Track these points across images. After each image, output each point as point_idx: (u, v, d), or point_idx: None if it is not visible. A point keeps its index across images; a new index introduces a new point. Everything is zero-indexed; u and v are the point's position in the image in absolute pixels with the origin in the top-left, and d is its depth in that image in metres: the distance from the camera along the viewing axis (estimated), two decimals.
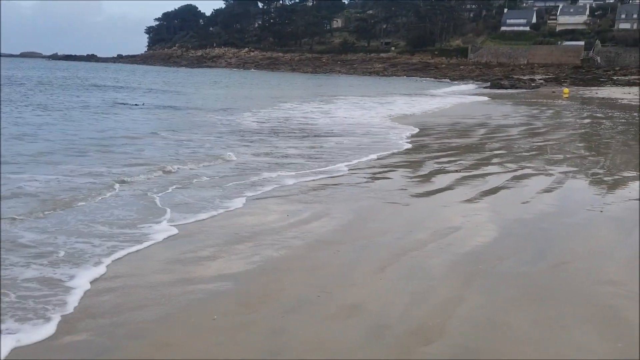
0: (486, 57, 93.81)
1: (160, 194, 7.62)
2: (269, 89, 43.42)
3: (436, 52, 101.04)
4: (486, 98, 36.97)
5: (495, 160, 11.76)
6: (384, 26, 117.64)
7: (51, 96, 26.48)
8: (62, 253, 5.21)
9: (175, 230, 6.12)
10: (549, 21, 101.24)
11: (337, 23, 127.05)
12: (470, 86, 58.95)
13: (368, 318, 4.24)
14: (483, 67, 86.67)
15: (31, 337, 3.74)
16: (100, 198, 7.26)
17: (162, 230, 6.09)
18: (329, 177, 9.44)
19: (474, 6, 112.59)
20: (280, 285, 4.81)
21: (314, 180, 9.18)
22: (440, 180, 9.46)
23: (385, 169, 10.43)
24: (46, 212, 6.48)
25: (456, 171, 10.32)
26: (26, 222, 6.11)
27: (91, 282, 4.67)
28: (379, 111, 24.40)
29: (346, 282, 4.91)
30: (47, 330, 3.85)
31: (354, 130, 16.77)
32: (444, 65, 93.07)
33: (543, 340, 3.96)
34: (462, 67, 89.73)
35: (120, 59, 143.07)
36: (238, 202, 7.43)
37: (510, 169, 10.60)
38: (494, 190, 8.78)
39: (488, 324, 4.19)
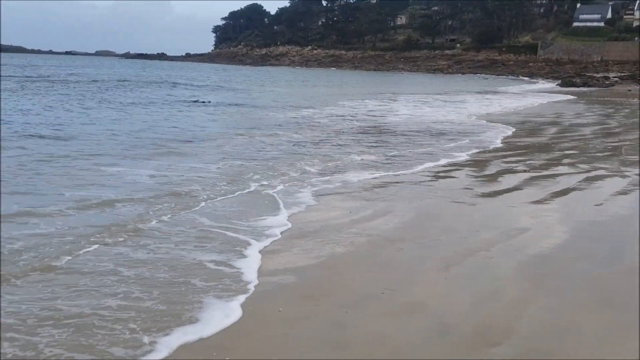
0: (557, 54, 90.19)
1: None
2: (337, 87, 43.59)
3: (504, 49, 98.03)
4: (567, 97, 35.58)
5: (566, 160, 11.34)
6: (449, 23, 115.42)
7: (131, 92, 27.62)
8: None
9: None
10: (625, 16, 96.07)
11: (401, 20, 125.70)
12: (540, 85, 56.96)
13: (431, 316, 4.20)
14: (553, 64, 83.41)
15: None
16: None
17: None
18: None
19: (544, 1, 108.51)
20: (343, 280, 4.84)
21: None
22: (508, 181, 9.23)
23: (452, 168, 10.28)
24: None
25: (525, 171, 10.03)
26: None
27: None
28: (459, 110, 23.92)
29: (409, 280, 4.89)
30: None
31: (438, 128, 16.58)
32: (511, 62, 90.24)
33: (614, 345, 3.80)
34: (530, 64, 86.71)
35: (188, 57, 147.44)
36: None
37: (582, 170, 10.19)
38: (565, 192, 8.47)
39: (558, 326, 4.05)
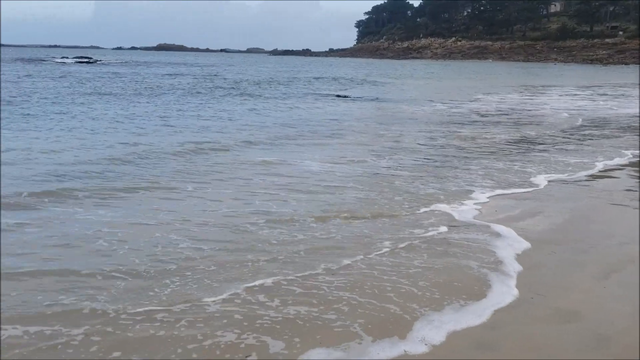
0: None
1: None
2: (485, 79, 42.04)
3: None
4: None
5: None
6: (611, 8, 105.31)
7: (286, 88, 29.06)
8: None
9: None
10: None
11: (555, 7, 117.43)
12: None
13: (586, 326, 3.94)
14: None
15: None
16: None
17: None
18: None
19: None
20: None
21: None
22: None
23: (613, 167, 9.46)
24: None
25: None
26: None
27: None
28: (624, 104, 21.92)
29: (563, 286, 4.61)
30: None
31: None
32: None
33: None
34: None
35: (331, 52, 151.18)
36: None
37: None
38: None
39: None
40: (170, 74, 39.63)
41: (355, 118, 16.47)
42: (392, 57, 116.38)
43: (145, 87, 26.31)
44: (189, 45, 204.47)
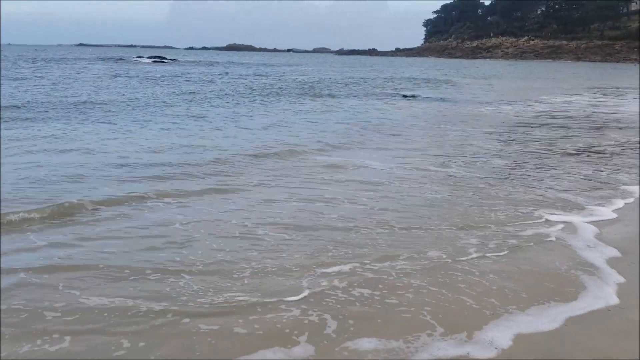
0: None
1: None
2: (564, 80, 40.51)
3: None
4: None
5: None
6: None
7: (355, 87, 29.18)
8: None
9: None
10: None
11: (637, 5, 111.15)
12: None
13: None
14: None
15: None
16: None
17: None
18: None
19: None
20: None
21: None
22: None
23: None
24: None
25: None
26: None
27: None
28: None
29: None
30: None
31: None
32: None
33: None
34: None
35: (397, 52, 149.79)
36: None
37: None
38: None
39: None
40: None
41: (424, 119, 16.27)
42: (460, 57, 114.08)
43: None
44: (257, 46, 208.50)
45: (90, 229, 5.55)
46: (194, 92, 22.60)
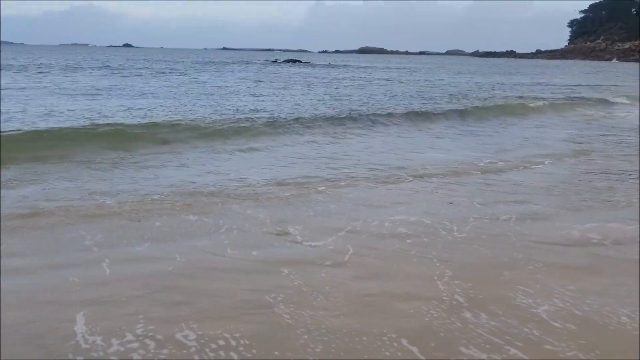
0: None
1: None
2: None
3: None
4: None
5: None
6: None
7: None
8: None
9: None
10: None
11: None
12: None
13: None
14: None
15: None
16: None
17: None
18: None
19: None
20: None
21: None
22: None
23: None
24: None
25: None
26: None
27: None
28: None
29: None
30: None
31: None
32: None
33: None
34: None
35: (538, 54, 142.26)
36: None
37: None
38: None
39: None
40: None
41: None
42: (609, 60, 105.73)
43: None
44: (388, 48, 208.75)
45: None
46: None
